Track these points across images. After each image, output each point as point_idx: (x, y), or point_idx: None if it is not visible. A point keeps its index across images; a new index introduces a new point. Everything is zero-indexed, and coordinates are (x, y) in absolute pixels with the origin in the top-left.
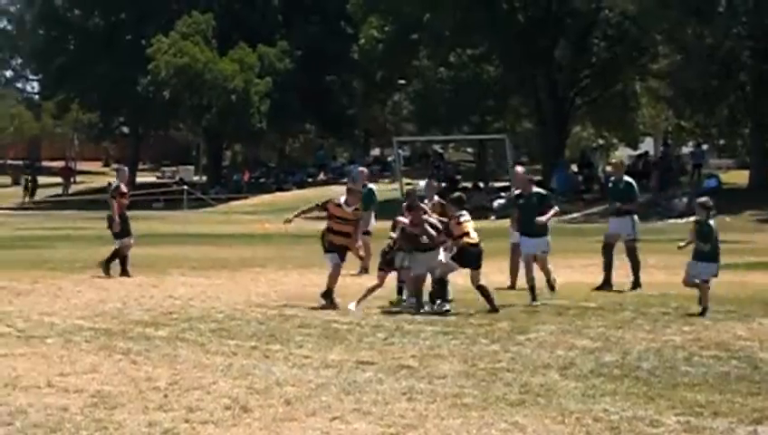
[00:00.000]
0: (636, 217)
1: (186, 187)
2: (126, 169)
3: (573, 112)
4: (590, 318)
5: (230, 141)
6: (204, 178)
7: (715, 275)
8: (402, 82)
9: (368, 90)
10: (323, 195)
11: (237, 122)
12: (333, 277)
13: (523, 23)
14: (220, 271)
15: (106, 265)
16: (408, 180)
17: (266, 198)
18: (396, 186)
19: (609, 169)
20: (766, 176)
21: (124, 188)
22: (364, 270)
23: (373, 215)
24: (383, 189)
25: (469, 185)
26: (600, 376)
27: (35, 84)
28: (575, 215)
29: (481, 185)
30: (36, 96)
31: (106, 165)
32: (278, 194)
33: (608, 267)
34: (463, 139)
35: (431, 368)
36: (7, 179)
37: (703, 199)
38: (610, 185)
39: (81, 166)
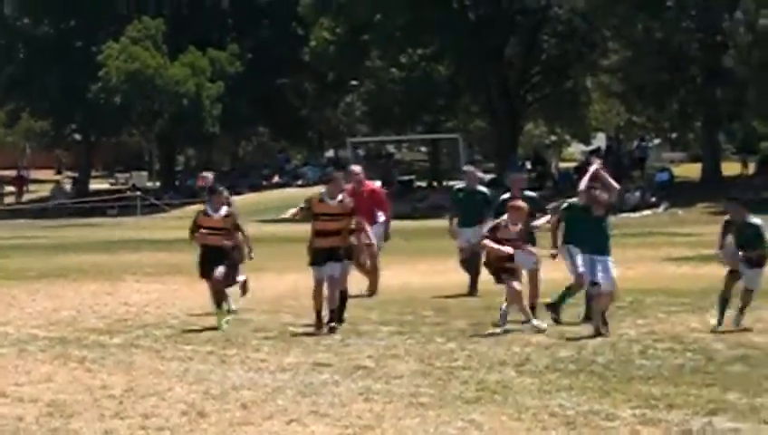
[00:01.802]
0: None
1: (139, 193)
2: None
3: (525, 110)
4: (546, 314)
5: (183, 146)
6: (157, 183)
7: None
8: (354, 82)
9: (320, 91)
10: (278, 198)
11: (189, 127)
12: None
13: (473, 21)
14: (175, 277)
15: None
16: None
17: None
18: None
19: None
20: (718, 169)
21: None
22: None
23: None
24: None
25: (424, 184)
26: (555, 371)
27: None
28: None
29: (435, 184)
30: None
31: (59, 173)
32: (232, 198)
33: (475, 276)
34: (416, 138)
35: (388, 368)
36: None
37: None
38: (461, 195)
39: (34, 174)
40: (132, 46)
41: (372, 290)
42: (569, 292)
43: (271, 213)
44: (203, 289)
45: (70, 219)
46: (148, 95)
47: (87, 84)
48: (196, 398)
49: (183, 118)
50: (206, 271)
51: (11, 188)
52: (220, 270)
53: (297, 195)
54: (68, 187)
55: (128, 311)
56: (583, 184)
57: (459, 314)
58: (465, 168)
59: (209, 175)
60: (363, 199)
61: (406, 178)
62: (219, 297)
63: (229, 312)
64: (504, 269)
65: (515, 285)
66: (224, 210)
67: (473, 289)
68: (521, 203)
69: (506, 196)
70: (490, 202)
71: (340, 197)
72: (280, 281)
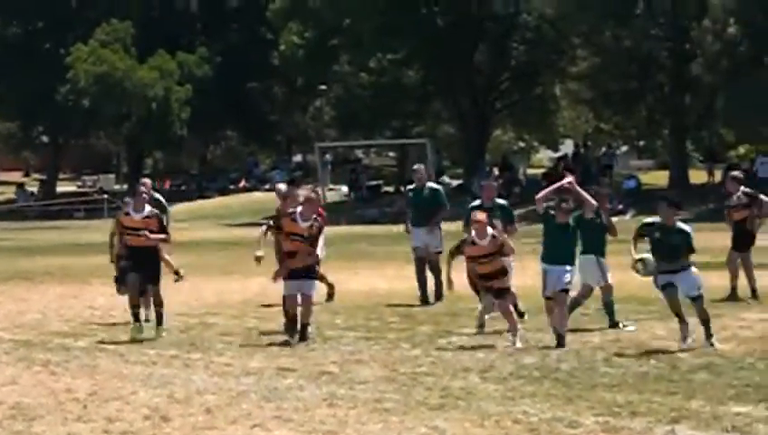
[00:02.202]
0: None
1: (106, 195)
2: None
3: (494, 116)
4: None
5: (151, 149)
6: (125, 186)
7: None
8: (323, 87)
9: (289, 96)
10: (246, 202)
11: (158, 130)
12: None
13: (442, 27)
14: None
15: None
16: (332, 186)
17: (188, 205)
18: (319, 191)
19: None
20: (686, 176)
21: None
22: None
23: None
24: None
25: (392, 189)
26: (519, 378)
27: None
28: None
29: (403, 190)
30: None
31: (26, 175)
32: (200, 202)
33: (423, 284)
34: (384, 143)
35: (352, 374)
36: None
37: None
38: (411, 194)
39: (2, 176)
40: (101, 49)
41: (330, 294)
42: (607, 304)
43: (239, 217)
44: (169, 292)
45: (36, 222)
46: (116, 98)
47: (55, 86)
48: (160, 402)
49: (151, 121)
50: (130, 271)
51: None
52: (155, 289)
53: (265, 199)
54: (33, 189)
55: (93, 314)
56: (541, 193)
57: (425, 319)
58: (415, 166)
59: (148, 181)
60: None
61: (374, 183)
62: (137, 310)
63: (146, 321)
64: (489, 289)
65: (507, 303)
66: (146, 210)
67: (437, 293)
68: (480, 216)
69: (476, 203)
70: (441, 199)
71: (309, 221)
72: (246, 285)
